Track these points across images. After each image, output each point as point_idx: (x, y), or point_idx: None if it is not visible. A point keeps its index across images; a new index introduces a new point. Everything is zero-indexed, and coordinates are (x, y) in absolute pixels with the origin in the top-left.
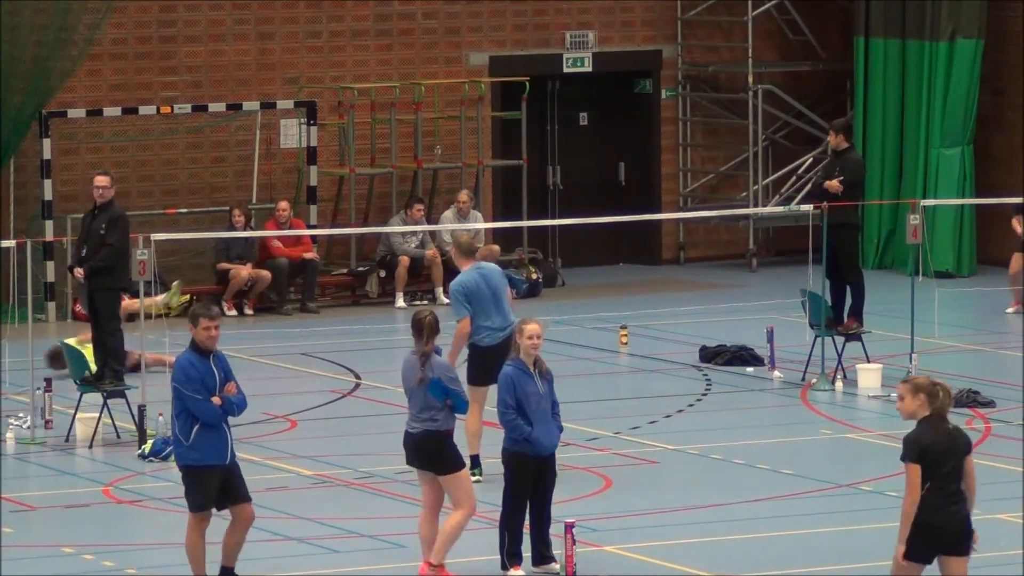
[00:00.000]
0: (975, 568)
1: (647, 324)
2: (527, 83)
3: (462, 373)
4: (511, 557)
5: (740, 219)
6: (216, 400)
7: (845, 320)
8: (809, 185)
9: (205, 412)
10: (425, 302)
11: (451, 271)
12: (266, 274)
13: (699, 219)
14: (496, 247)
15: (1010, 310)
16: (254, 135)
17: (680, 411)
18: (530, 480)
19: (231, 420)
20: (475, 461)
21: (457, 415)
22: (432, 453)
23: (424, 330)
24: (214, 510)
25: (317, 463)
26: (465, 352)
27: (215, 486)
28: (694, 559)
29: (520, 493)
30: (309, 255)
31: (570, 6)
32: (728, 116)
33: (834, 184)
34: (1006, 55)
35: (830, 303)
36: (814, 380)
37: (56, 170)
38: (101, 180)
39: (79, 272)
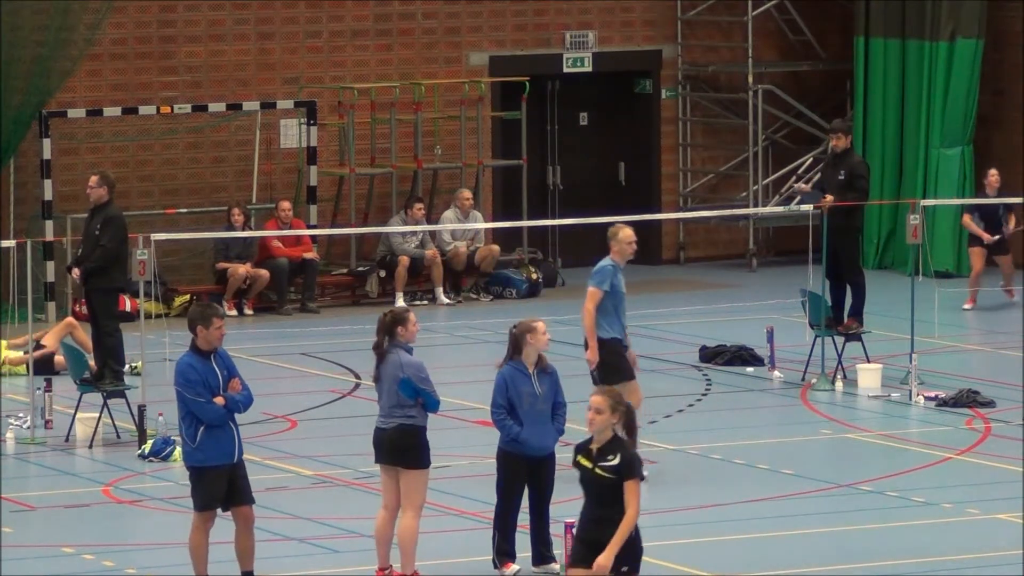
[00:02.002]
0: (976, 568)
1: (647, 324)
2: (527, 83)
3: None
4: (502, 555)
5: (740, 219)
6: (219, 400)
7: (845, 320)
8: (810, 185)
9: (208, 414)
10: (425, 302)
11: (451, 271)
12: (264, 273)
13: (699, 219)
14: (496, 247)
15: (967, 306)
16: (254, 135)
17: (680, 411)
18: (522, 480)
19: (239, 417)
20: None
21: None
22: (405, 447)
23: (378, 329)
24: (219, 511)
25: (317, 463)
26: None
27: (222, 486)
28: (694, 559)
29: (511, 492)
30: (309, 255)
31: (570, 6)
32: (728, 116)
33: (828, 199)
34: (1006, 55)
35: (830, 303)
36: (814, 380)
37: (56, 170)
38: (90, 180)
39: (75, 273)
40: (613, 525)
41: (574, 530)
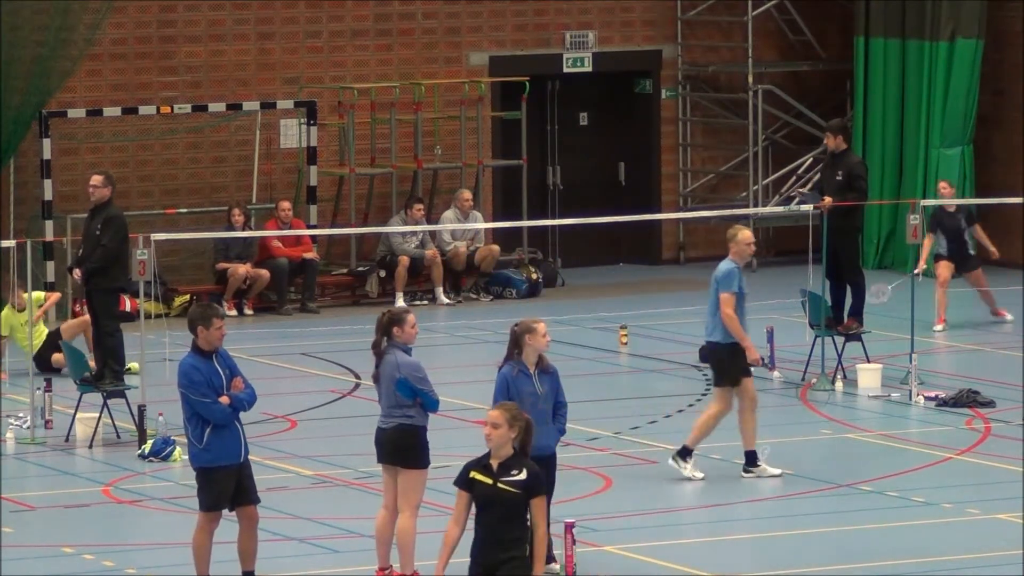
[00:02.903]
0: (976, 568)
1: (647, 324)
2: (527, 83)
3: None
4: None
5: (740, 219)
6: (224, 400)
7: (845, 320)
8: (809, 185)
9: (214, 413)
10: (425, 302)
11: (451, 271)
12: (264, 273)
13: (699, 219)
14: (496, 247)
15: (938, 327)
16: (254, 135)
17: (680, 411)
18: None
19: (243, 417)
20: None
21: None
22: (404, 447)
23: (376, 328)
24: (225, 511)
25: (317, 463)
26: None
27: (229, 486)
28: (694, 559)
29: None
30: (309, 255)
31: (570, 6)
32: (728, 116)
33: (827, 202)
34: (1006, 55)
35: (830, 303)
36: (814, 380)
37: (56, 170)
38: (94, 179)
39: (77, 273)
40: (514, 544)
41: (470, 551)
